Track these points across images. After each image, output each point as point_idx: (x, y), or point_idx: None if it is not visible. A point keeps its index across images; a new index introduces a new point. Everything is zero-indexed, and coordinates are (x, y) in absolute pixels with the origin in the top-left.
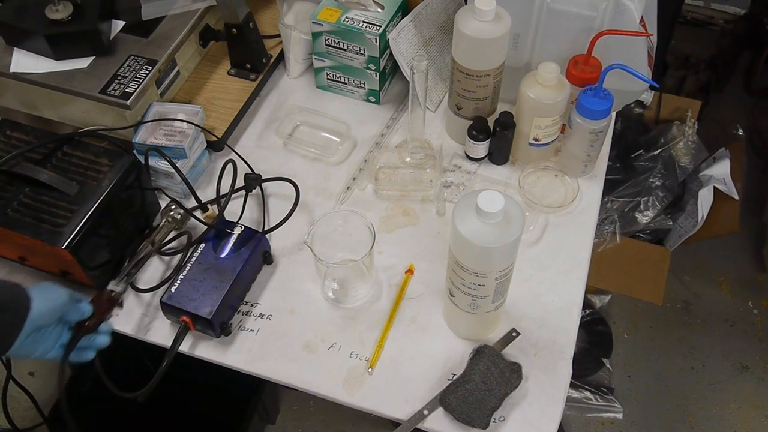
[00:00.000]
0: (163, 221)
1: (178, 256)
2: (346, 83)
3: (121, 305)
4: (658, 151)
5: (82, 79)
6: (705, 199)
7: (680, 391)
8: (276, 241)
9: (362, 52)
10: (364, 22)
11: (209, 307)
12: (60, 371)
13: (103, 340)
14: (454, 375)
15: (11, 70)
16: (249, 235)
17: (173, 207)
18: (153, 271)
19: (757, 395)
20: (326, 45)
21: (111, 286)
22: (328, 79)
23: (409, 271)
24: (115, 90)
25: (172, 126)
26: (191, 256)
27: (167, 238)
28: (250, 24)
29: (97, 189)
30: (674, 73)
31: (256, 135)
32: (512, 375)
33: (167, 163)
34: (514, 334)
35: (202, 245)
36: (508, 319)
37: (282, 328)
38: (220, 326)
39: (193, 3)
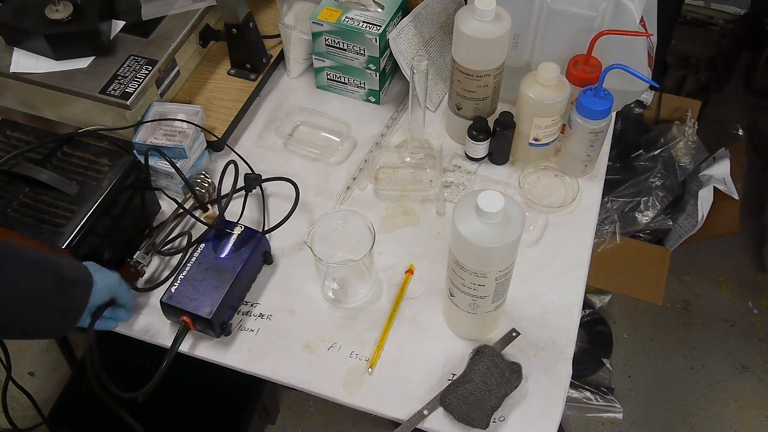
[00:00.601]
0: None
1: (178, 256)
2: (346, 83)
3: (143, 274)
4: (658, 151)
5: (82, 79)
6: (705, 199)
7: (680, 391)
8: (276, 241)
9: (362, 52)
10: (364, 22)
11: (209, 307)
12: (88, 340)
13: (123, 315)
14: (454, 375)
15: (11, 70)
16: (249, 235)
17: (201, 176)
18: (153, 270)
19: (757, 395)
20: (326, 45)
21: (137, 257)
22: (328, 79)
23: (409, 271)
24: (115, 90)
25: (172, 126)
26: (191, 256)
27: (170, 237)
28: (250, 24)
29: (97, 189)
30: (674, 73)
31: (256, 135)
32: (512, 375)
33: (167, 163)
34: (514, 334)
35: (202, 245)
36: (508, 319)
37: (282, 328)
38: (220, 326)
39: (193, 3)
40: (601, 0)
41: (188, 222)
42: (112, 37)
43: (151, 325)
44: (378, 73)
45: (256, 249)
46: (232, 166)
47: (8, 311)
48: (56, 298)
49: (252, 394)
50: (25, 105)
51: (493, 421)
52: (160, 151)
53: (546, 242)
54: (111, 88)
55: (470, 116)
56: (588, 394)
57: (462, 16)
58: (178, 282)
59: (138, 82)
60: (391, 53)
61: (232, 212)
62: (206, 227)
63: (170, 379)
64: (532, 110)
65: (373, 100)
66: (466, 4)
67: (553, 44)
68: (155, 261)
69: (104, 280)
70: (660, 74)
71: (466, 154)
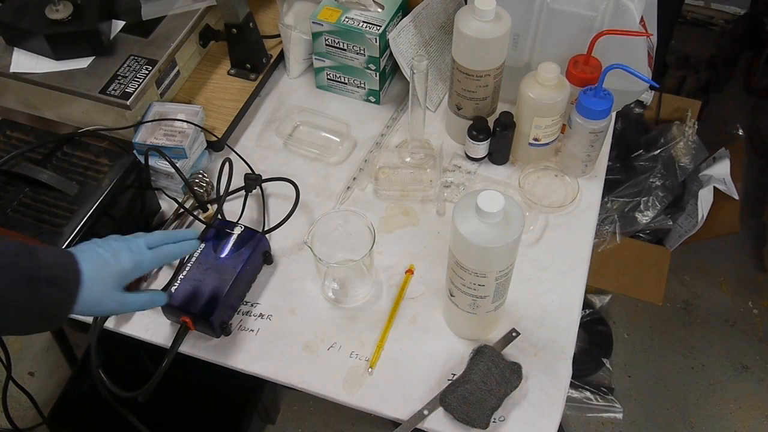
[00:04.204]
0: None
1: None
2: (346, 83)
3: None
4: (658, 151)
5: (82, 79)
6: (705, 199)
7: (680, 391)
8: (276, 241)
9: (362, 52)
10: (364, 22)
11: (209, 307)
12: (91, 337)
13: (158, 299)
14: (454, 375)
15: (11, 70)
16: (249, 235)
17: (199, 176)
18: (154, 271)
19: (757, 395)
20: (326, 45)
21: None
22: (328, 79)
23: (409, 271)
24: (115, 90)
25: (172, 126)
26: (191, 256)
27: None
28: (250, 24)
29: (97, 189)
30: (674, 73)
31: (256, 135)
32: (512, 375)
33: (167, 163)
34: (514, 334)
35: (202, 245)
36: (508, 319)
37: (282, 328)
38: (220, 326)
39: (193, 3)
40: (601, 0)
41: (189, 222)
42: (112, 37)
43: (151, 325)
44: (378, 73)
45: (256, 249)
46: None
47: None
48: (29, 301)
49: (252, 394)
50: (25, 105)
51: (493, 421)
52: (160, 151)
53: (546, 242)
54: (111, 88)
55: (470, 116)
56: (588, 394)
57: (462, 16)
58: (178, 282)
59: (138, 82)
60: (391, 53)
61: (232, 212)
62: (206, 227)
63: (170, 379)
64: (532, 110)
65: (373, 100)
66: (466, 4)
67: (553, 44)
68: None
69: (99, 277)
70: (660, 74)
71: (466, 154)
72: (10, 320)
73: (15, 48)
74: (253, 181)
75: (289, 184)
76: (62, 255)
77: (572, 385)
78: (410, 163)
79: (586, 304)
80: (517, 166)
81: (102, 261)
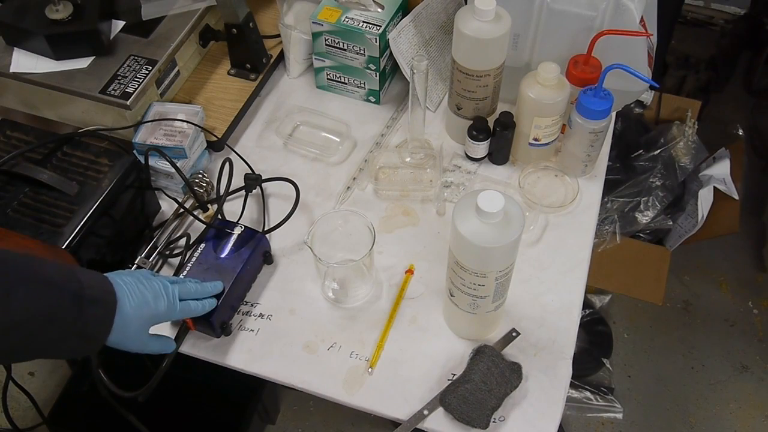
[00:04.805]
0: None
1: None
2: (346, 83)
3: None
4: (658, 151)
5: (82, 79)
6: (705, 199)
7: (680, 391)
8: (276, 241)
9: (362, 52)
10: (364, 22)
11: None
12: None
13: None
14: (454, 375)
15: (11, 70)
16: (249, 235)
17: (199, 176)
18: (154, 271)
19: (757, 395)
20: (326, 45)
21: (138, 262)
22: (328, 79)
23: (409, 271)
24: (115, 90)
25: (172, 126)
26: (191, 256)
27: (172, 239)
28: (250, 24)
29: (97, 189)
30: (674, 73)
31: (256, 135)
32: (512, 375)
33: (167, 163)
34: (514, 334)
35: (202, 245)
36: (508, 319)
37: (282, 328)
38: (220, 326)
39: (193, 3)
40: (601, 0)
41: (189, 222)
42: (112, 37)
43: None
44: (378, 73)
45: (256, 249)
46: (228, 164)
47: (21, 337)
48: (75, 320)
49: (252, 394)
50: (25, 105)
51: (493, 421)
52: (160, 151)
53: (546, 242)
54: (111, 88)
55: (470, 116)
56: (588, 394)
57: (462, 16)
58: None
59: (138, 82)
60: (391, 53)
61: (232, 212)
62: (206, 227)
63: (170, 379)
64: (532, 110)
65: (373, 100)
66: (466, 4)
67: (553, 44)
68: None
69: (135, 300)
70: (660, 74)
71: (466, 154)
72: (57, 339)
73: (15, 48)
74: (253, 181)
75: (289, 184)
76: (99, 277)
77: (572, 385)
78: (410, 163)
79: (586, 304)
80: (517, 166)
81: (144, 300)
